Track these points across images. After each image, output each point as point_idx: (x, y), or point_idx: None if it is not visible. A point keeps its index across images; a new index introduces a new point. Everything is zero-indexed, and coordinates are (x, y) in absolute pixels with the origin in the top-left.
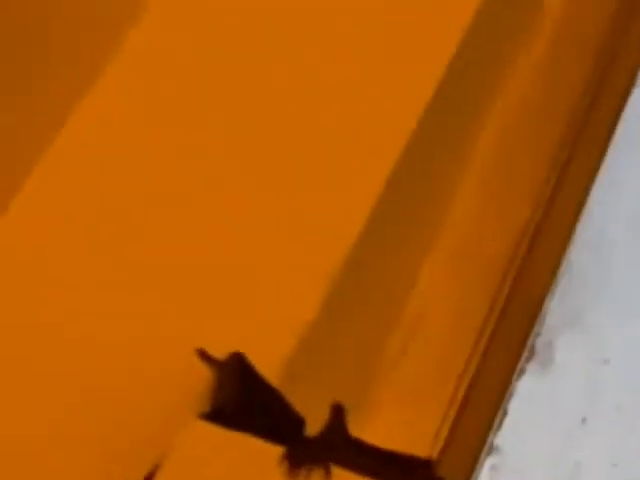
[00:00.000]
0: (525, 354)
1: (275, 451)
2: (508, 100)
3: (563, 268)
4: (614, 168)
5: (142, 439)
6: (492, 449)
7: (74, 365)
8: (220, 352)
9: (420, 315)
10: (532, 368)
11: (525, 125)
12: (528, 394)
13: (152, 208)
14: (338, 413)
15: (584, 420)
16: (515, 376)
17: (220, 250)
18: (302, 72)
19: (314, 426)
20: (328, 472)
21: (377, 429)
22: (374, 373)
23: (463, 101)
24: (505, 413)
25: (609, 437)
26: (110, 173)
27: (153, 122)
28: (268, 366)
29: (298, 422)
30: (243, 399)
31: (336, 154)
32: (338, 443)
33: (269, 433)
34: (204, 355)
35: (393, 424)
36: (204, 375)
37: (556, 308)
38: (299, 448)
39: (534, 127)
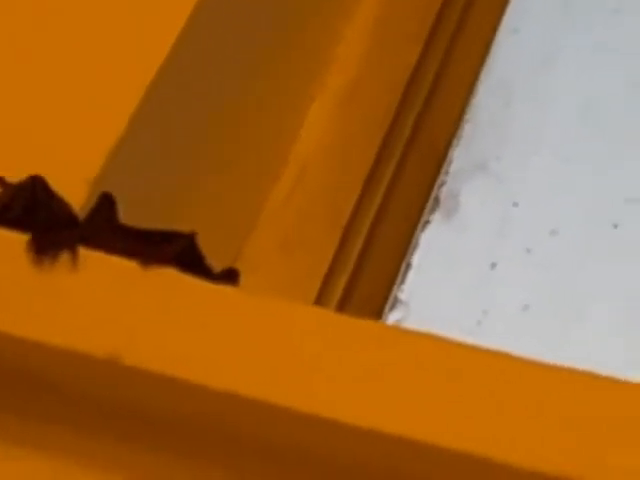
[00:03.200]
0: (429, 204)
1: (23, 239)
2: None
3: (467, 114)
4: (516, 13)
5: None
6: (396, 303)
7: None
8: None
9: (304, 164)
10: (437, 218)
11: None
12: (433, 245)
13: None
14: (105, 201)
15: (493, 265)
16: (419, 228)
17: (22, 72)
18: None
19: None
20: (75, 254)
21: (259, 279)
22: (255, 223)
23: None
24: (409, 266)
25: (519, 280)
26: None
27: None
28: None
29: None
30: (25, 209)
31: None
32: (100, 229)
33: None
34: (2, 182)
35: (276, 275)
36: None
37: (460, 155)
38: (47, 234)
39: None
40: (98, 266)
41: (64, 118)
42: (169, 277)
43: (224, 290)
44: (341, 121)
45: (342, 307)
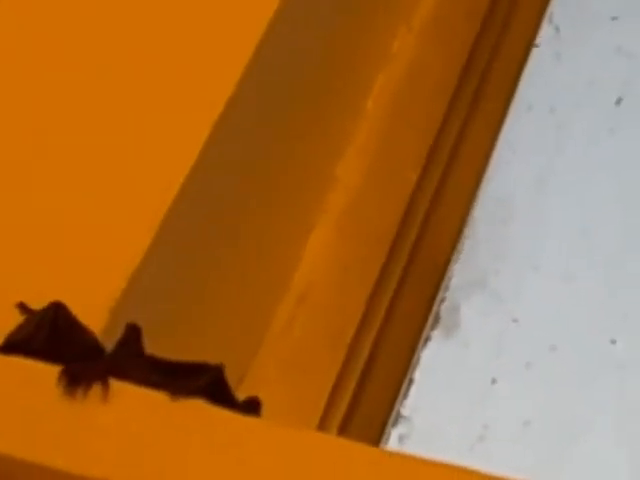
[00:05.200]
0: (430, 321)
1: (54, 371)
2: (401, 57)
3: (465, 231)
4: (514, 128)
5: None
6: (399, 419)
7: None
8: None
9: (306, 287)
10: (437, 334)
11: (417, 80)
12: (434, 361)
13: None
14: (132, 332)
15: (494, 381)
16: (420, 344)
17: (44, 201)
18: None
19: None
20: (106, 386)
21: (264, 402)
22: (259, 344)
23: (351, 60)
24: (411, 382)
25: (520, 395)
26: None
27: None
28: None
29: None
30: (46, 339)
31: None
32: (128, 360)
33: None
34: (24, 308)
35: (280, 396)
36: None
37: (460, 271)
38: (77, 365)
39: (428, 82)
40: (129, 398)
41: (83, 243)
42: (198, 409)
43: (250, 421)
44: (342, 243)
45: (346, 423)
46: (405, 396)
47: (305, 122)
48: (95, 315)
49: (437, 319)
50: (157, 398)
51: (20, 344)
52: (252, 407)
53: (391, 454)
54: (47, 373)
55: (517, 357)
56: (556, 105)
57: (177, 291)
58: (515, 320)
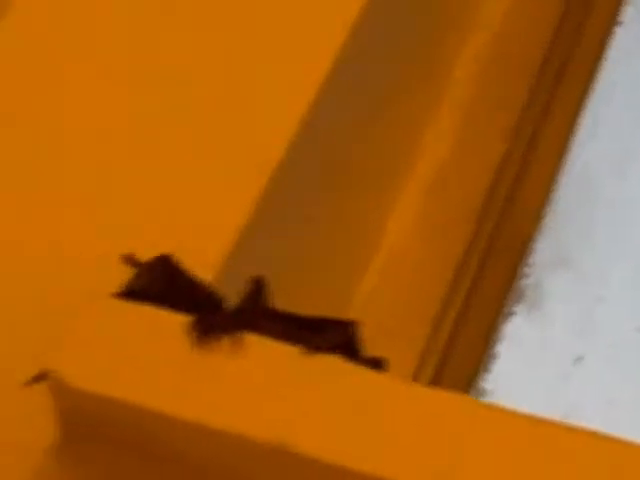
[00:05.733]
0: (512, 296)
1: (183, 321)
2: (487, 29)
3: (549, 206)
4: (599, 106)
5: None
6: (482, 393)
7: None
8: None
9: (392, 255)
10: (521, 309)
11: (504, 54)
12: (517, 336)
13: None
14: (257, 285)
15: (579, 359)
16: (502, 318)
17: (152, 156)
18: None
19: None
20: (238, 339)
21: None
22: (344, 314)
23: (439, 30)
24: (494, 356)
25: (604, 374)
26: None
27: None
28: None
29: (215, 301)
30: (163, 287)
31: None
32: (252, 312)
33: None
34: (131, 260)
35: None
36: None
37: (543, 247)
38: (208, 317)
39: (513, 57)
40: (260, 351)
41: (191, 197)
42: (334, 365)
43: (389, 380)
44: (428, 214)
45: None
46: (488, 370)
47: (393, 90)
48: (204, 270)
49: (520, 294)
50: (291, 352)
51: (139, 292)
52: (379, 366)
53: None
54: (173, 322)
55: (602, 337)
56: None
57: (279, 251)
58: (600, 299)
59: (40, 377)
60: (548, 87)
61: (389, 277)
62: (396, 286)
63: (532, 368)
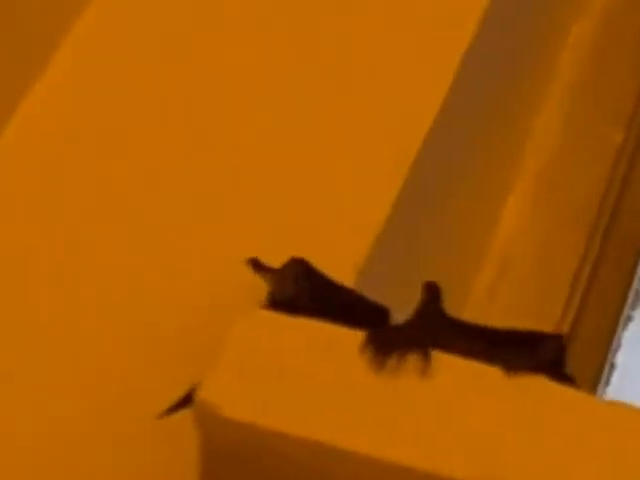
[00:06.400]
0: (630, 299)
1: (356, 337)
2: (595, 14)
3: None
4: None
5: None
6: None
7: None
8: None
9: (506, 257)
10: (639, 314)
11: (614, 38)
12: (637, 343)
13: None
14: (433, 292)
15: None
16: (621, 324)
17: (286, 158)
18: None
19: None
20: (427, 357)
21: None
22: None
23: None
24: (613, 366)
25: None
26: None
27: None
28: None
29: (381, 311)
30: (314, 296)
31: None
32: (434, 325)
33: (347, 323)
34: (257, 264)
35: None
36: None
37: None
38: (386, 332)
39: (624, 41)
40: (453, 371)
41: (327, 200)
42: (540, 387)
43: (597, 402)
44: (539, 211)
45: None
46: (607, 383)
47: (499, 76)
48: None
49: (638, 297)
50: (489, 373)
51: (284, 302)
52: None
53: None
54: (341, 337)
55: None
56: None
57: (406, 255)
58: None
59: (184, 402)
60: None
61: (502, 279)
62: (510, 289)
63: None
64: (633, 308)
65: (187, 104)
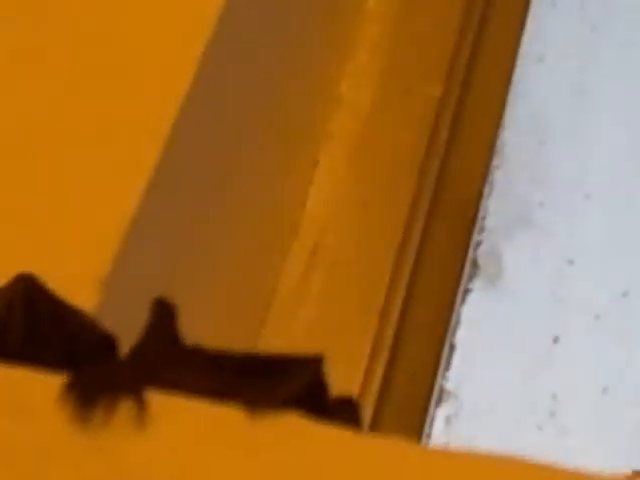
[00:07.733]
0: (467, 270)
1: (57, 382)
2: None
3: (496, 158)
4: (541, 29)
5: None
6: (443, 395)
7: None
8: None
9: (317, 240)
10: (478, 286)
11: None
12: (478, 319)
13: None
14: (164, 312)
15: (556, 339)
16: (458, 299)
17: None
18: None
19: None
20: (140, 400)
21: None
22: (268, 308)
23: None
24: (453, 348)
25: (591, 355)
26: None
27: None
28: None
29: (107, 342)
30: (28, 326)
31: None
32: (161, 355)
33: (65, 363)
34: None
35: None
36: None
37: (496, 208)
38: (93, 372)
39: None
40: (181, 417)
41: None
42: (290, 426)
43: (361, 440)
44: (353, 177)
45: (381, 404)
46: (447, 367)
47: (300, 28)
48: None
49: (475, 267)
50: (227, 415)
51: None
52: (349, 411)
53: None
54: (42, 385)
55: (580, 308)
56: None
57: (170, 260)
58: (571, 261)
59: None
60: (479, 13)
61: (315, 261)
62: (325, 273)
63: (501, 357)
64: (470, 280)
65: None
